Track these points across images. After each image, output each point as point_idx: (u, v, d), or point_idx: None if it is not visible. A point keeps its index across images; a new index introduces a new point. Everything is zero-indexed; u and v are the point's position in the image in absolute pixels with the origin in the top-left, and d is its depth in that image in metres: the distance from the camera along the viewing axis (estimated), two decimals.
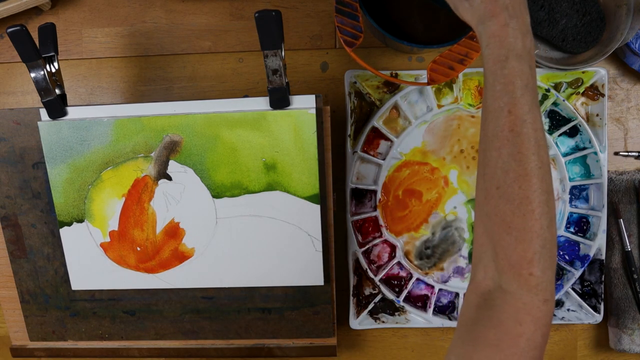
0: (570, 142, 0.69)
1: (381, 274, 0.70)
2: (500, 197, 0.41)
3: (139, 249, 0.65)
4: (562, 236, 0.69)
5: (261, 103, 0.61)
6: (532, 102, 0.41)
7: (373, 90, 0.68)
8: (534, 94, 0.41)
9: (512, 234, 0.40)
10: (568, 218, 0.69)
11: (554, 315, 0.70)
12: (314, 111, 0.60)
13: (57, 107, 0.62)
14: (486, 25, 0.42)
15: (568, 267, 0.69)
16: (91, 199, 0.64)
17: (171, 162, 0.63)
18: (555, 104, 0.67)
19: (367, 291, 0.71)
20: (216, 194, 0.63)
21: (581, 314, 0.70)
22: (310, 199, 0.62)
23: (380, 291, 0.70)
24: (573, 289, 0.70)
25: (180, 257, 0.65)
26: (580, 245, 0.69)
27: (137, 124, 0.62)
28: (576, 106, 0.68)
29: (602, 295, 0.69)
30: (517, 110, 0.41)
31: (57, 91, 0.62)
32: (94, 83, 0.72)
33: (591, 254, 0.68)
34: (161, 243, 0.65)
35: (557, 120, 0.68)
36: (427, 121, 0.68)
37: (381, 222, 0.69)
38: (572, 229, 0.70)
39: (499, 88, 0.41)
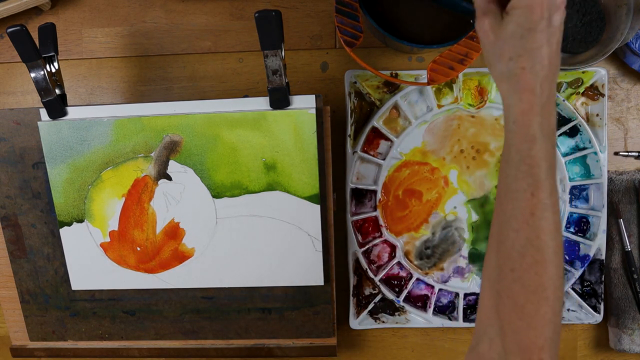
0: (570, 142, 0.69)
1: (381, 274, 0.70)
2: (514, 280, 0.40)
3: (139, 249, 0.65)
4: None
5: (261, 103, 0.61)
6: (554, 184, 0.40)
7: (373, 90, 0.68)
8: (555, 175, 0.40)
9: (524, 319, 0.40)
10: (568, 218, 0.69)
11: None
12: (314, 111, 0.60)
13: (57, 107, 0.62)
14: (517, 98, 0.40)
15: (568, 267, 0.69)
16: (91, 199, 0.64)
17: (171, 162, 0.63)
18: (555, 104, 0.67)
19: (367, 291, 0.71)
20: (216, 194, 0.63)
21: (581, 314, 0.70)
22: (310, 199, 0.62)
23: (380, 291, 0.70)
24: (573, 289, 0.70)
25: (180, 257, 0.65)
26: (580, 245, 0.69)
27: (137, 124, 0.62)
28: (576, 106, 0.68)
29: (602, 295, 0.69)
30: (540, 194, 0.39)
31: (57, 91, 0.62)
32: (94, 83, 0.72)
33: (591, 254, 0.68)
34: (161, 243, 0.65)
35: (557, 120, 0.68)
36: (427, 121, 0.68)
37: (381, 222, 0.69)
38: (572, 229, 0.70)
39: (524, 169, 0.40)
